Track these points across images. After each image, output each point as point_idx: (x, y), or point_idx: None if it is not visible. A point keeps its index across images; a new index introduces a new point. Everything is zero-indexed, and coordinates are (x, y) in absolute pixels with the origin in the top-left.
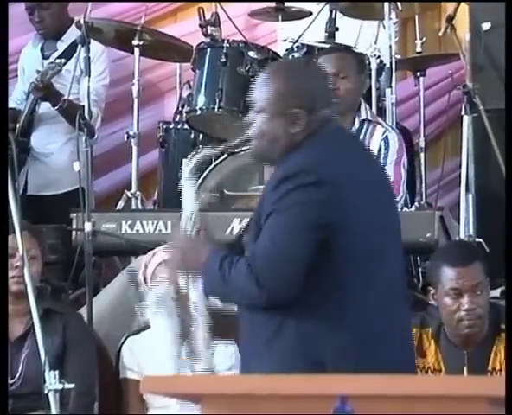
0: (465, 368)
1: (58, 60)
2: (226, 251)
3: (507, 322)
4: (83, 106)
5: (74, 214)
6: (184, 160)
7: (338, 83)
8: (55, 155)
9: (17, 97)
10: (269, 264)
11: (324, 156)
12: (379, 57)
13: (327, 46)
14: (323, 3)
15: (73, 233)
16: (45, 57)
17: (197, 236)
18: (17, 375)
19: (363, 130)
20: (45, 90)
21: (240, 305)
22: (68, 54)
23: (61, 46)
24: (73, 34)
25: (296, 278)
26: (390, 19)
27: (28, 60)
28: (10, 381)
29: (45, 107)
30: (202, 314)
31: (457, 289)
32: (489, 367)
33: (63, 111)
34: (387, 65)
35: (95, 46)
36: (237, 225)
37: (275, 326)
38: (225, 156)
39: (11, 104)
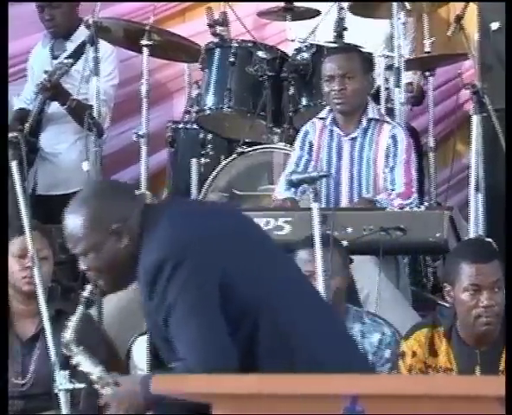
0: (478, 368)
1: (66, 61)
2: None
3: (507, 321)
4: (91, 106)
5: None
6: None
7: (345, 83)
8: (64, 155)
9: (26, 97)
10: (203, 356)
11: (170, 235)
12: (388, 56)
13: (335, 45)
14: (332, 3)
15: None
16: (54, 57)
17: (121, 382)
18: (29, 376)
19: (370, 130)
20: (53, 89)
21: None
22: (77, 53)
23: (70, 46)
24: (82, 34)
25: (230, 350)
26: (398, 19)
27: (37, 59)
28: (22, 382)
29: (54, 107)
30: None
31: (476, 285)
32: (501, 367)
33: (71, 110)
34: (396, 64)
35: (104, 46)
36: None
37: None
38: (234, 156)
39: (21, 104)
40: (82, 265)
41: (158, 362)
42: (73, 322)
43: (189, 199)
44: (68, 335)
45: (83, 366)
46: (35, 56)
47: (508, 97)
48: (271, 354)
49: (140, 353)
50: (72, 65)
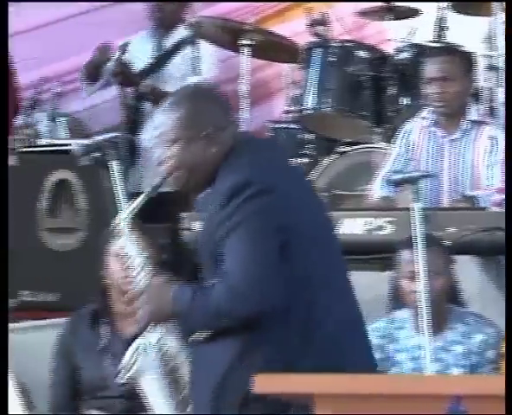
0: None
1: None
2: (188, 284)
3: (507, 321)
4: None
5: (185, 214)
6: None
7: (446, 86)
8: None
9: None
10: (247, 277)
11: (259, 165)
12: (488, 56)
13: (436, 46)
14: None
15: (183, 232)
16: (153, 52)
17: (152, 283)
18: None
19: (471, 131)
20: (120, 75)
21: (228, 326)
22: (174, 50)
23: (169, 42)
24: (180, 32)
25: (274, 287)
26: (498, 17)
27: (139, 51)
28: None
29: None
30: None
31: None
32: None
33: (144, 94)
34: (497, 64)
35: (204, 45)
36: (347, 224)
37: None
38: (334, 156)
39: None
40: (163, 154)
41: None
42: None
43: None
44: (124, 215)
45: (128, 249)
46: (137, 45)
47: (508, 97)
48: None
49: None
50: (167, 60)
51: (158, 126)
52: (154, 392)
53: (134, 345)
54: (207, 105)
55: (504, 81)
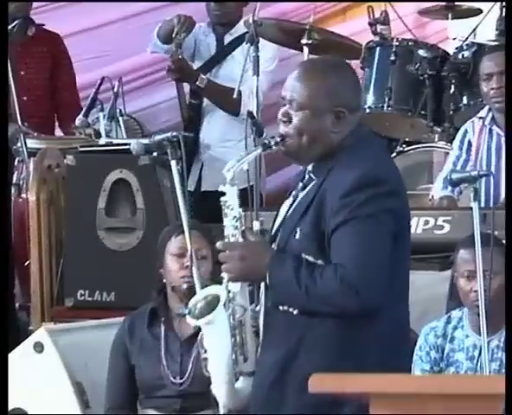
0: None
1: (179, 37)
2: (290, 257)
3: (507, 321)
4: (231, 88)
5: (243, 213)
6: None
7: (504, 81)
8: (232, 152)
9: None
10: (364, 273)
11: (387, 166)
12: None
13: (496, 44)
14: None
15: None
16: (217, 51)
17: (247, 242)
18: (186, 375)
19: None
20: (177, 71)
21: (326, 314)
22: (231, 47)
23: (228, 38)
24: (240, 29)
25: (385, 285)
26: None
27: (202, 42)
28: (180, 381)
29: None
30: (249, 315)
31: None
32: None
33: (202, 90)
34: None
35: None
36: None
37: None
38: (394, 154)
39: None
40: (284, 116)
41: None
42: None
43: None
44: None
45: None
46: (200, 37)
47: (508, 96)
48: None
49: None
50: (226, 56)
51: (291, 89)
52: (215, 346)
53: (206, 291)
54: (345, 82)
55: (505, 81)
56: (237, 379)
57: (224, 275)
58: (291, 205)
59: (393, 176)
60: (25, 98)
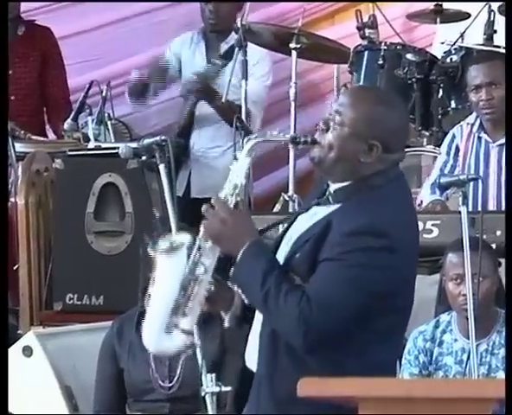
0: None
1: (218, 61)
2: (267, 250)
3: (507, 320)
4: (240, 107)
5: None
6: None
7: (492, 92)
8: (220, 158)
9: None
10: (322, 319)
11: (397, 219)
12: None
13: (485, 48)
14: (482, 5)
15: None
16: (208, 58)
17: (238, 212)
18: (175, 378)
19: None
20: (204, 92)
21: (269, 323)
22: (229, 55)
23: (225, 47)
24: (234, 37)
25: (340, 335)
26: None
27: (187, 54)
28: (169, 384)
29: (210, 109)
30: (208, 278)
31: None
32: None
33: (220, 109)
34: None
35: (258, 48)
36: None
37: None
38: None
39: None
40: (324, 125)
41: None
42: None
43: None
44: None
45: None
46: (184, 49)
47: (508, 96)
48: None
49: None
50: (223, 66)
51: (340, 104)
52: (163, 282)
53: (176, 236)
54: (391, 120)
55: (505, 81)
56: (170, 330)
57: (201, 228)
58: (306, 221)
59: (400, 232)
60: (13, 97)
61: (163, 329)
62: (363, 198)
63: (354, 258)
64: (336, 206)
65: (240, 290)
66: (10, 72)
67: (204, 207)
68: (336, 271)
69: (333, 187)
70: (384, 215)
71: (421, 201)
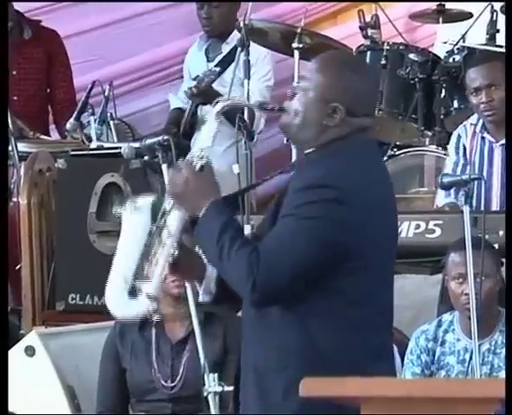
0: None
1: (214, 69)
2: (227, 211)
3: (507, 321)
4: (243, 108)
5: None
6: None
7: (492, 94)
8: (218, 158)
9: (183, 96)
10: (269, 269)
11: (352, 174)
12: None
13: (482, 51)
14: (485, 5)
15: None
16: (209, 60)
17: (202, 174)
18: (178, 378)
19: None
20: (202, 95)
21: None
22: (231, 56)
23: (226, 48)
24: (236, 36)
25: (288, 287)
26: None
27: (192, 61)
28: (171, 384)
29: (210, 108)
30: (172, 242)
31: None
32: None
33: (223, 112)
34: None
35: (259, 48)
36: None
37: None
38: (385, 158)
39: (177, 103)
40: (291, 91)
41: None
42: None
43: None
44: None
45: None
46: (190, 57)
47: (508, 96)
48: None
49: None
50: (220, 73)
51: (306, 71)
52: (126, 240)
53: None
54: (357, 84)
55: (505, 80)
56: (133, 294)
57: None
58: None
59: (354, 186)
60: (15, 97)
61: (127, 293)
62: (321, 157)
63: (303, 211)
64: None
65: (200, 250)
66: (14, 72)
67: (171, 171)
68: (286, 225)
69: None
70: (336, 169)
71: (437, 205)
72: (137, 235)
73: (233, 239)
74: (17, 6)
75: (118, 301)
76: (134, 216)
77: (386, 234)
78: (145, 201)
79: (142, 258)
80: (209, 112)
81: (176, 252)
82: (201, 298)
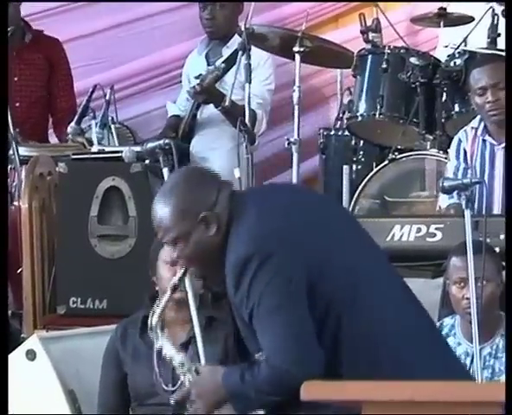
0: None
1: (218, 64)
2: (235, 367)
3: (507, 321)
4: (243, 108)
5: None
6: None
7: (498, 93)
8: (218, 160)
9: (181, 104)
10: (285, 354)
11: (257, 228)
12: None
13: (488, 52)
14: (486, 8)
15: None
16: (210, 64)
17: (200, 374)
18: (179, 382)
19: None
20: (205, 93)
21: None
22: (232, 60)
23: (226, 52)
24: (237, 40)
25: (316, 349)
26: None
27: (193, 67)
28: (172, 388)
29: (211, 111)
30: None
31: None
32: None
33: (226, 111)
34: None
35: (260, 52)
36: (397, 231)
37: None
38: (386, 162)
39: (175, 111)
40: (173, 254)
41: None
42: (160, 306)
43: (272, 184)
44: (154, 319)
45: (166, 350)
46: (190, 63)
47: (508, 96)
48: (354, 353)
49: None
50: (225, 70)
51: (163, 227)
52: None
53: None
54: (194, 190)
55: (505, 80)
56: None
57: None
58: None
59: (260, 241)
60: (17, 104)
61: None
62: (225, 252)
63: (254, 293)
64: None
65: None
66: (16, 78)
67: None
68: (260, 315)
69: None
70: (245, 240)
71: (440, 207)
72: None
73: (252, 373)
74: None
75: None
76: None
77: (338, 252)
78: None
79: None
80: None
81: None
82: None
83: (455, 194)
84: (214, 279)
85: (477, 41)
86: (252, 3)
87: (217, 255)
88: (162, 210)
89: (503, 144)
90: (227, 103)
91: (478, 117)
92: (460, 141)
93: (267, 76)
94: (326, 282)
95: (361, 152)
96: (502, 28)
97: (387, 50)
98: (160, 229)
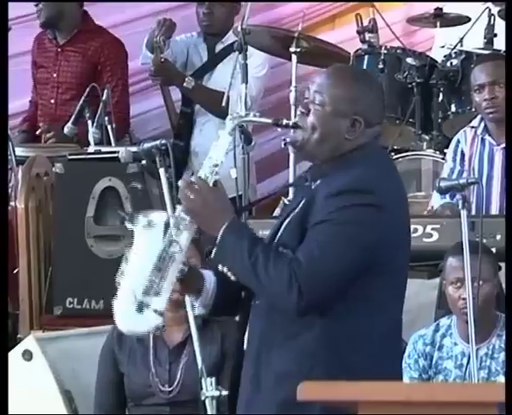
0: None
1: (159, 38)
2: (248, 229)
3: (507, 321)
4: (221, 92)
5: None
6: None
7: (496, 91)
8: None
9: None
10: (314, 275)
11: (380, 179)
12: None
13: (485, 52)
14: (483, 9)
15: None
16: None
17: (217, 190)
18: (175, 383)
19: None
20: (161, 71)
21: (262, 295)
22: (222, 55)
23: (220, 47)
24: (231, 37)
25: (333, 294)
26: None
27: (187, 57)
28: (169, 389)
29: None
30: (181, 258)
31: None
32: None
33: (190, 91)
34: None
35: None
36: None
37: (296, 328)
38: None
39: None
40: (304, 108)
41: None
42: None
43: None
44: None
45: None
46: (184, 52)
47: (508, 96)
48: (359, 325)
49: None
50: (214, 65)
51: (317, 85)
52: (138, 257)
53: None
54: (369, 95)
55: (505, 80)
56: (141, 310)
57: (180, 207)
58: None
59: (385, 191)
60: (52, 101)
61: (135, 308)
62: (343, 167)
63: (341, 216)
64: (316, 181)
65: (224, 268)
66: (55, 75)
67: (183, 184)
68: (324, 231)
69: (310, 166)
70: (368, 175)
71: (432, 207)
72: (150, 251)
73: (266, 252)
74: (18, 7)
75: (127, 316)
76: (147, 232)
77: (407, 237)
78: (159, 216)
79: (152, 273)
80: (224, 128)
81: (186, 269)
82: (197, 312)
83: (447, 196)
84: (306, 153)
85: (474, 41)
86: (249, 4)
87: (328, 151)
88: (336, 79)
89: (502, 145)
90: (189, 84)
91: (479, 116)
92: (458, 142)
93: (259, 63)
94: (387, 261)
95: None
96: (498, 29)
97: (383, 50)
98: (316, 86)
